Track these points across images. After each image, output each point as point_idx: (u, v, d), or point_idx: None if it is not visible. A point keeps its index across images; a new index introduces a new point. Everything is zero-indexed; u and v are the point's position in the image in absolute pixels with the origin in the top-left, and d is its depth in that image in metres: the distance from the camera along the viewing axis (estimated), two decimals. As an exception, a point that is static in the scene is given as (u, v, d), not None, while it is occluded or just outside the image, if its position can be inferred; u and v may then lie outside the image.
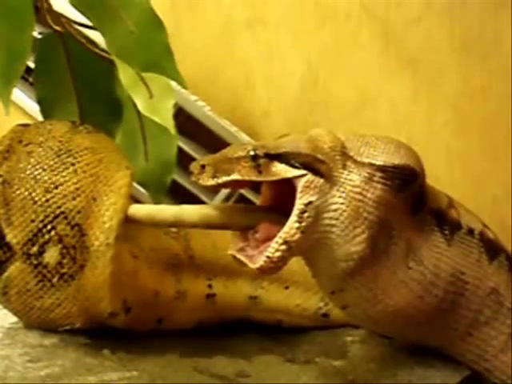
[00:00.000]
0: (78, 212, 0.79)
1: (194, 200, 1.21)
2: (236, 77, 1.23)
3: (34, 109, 1.26)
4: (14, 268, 0.79)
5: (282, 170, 0.76)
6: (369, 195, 0.77)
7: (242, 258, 0.76)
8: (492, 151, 1.20)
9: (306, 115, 1.22)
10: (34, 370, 0.78)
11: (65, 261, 0.78)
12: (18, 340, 0.83)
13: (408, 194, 0.80)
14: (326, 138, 0.78)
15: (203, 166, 0.76)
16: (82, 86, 0.97)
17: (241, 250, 0.77)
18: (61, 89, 0.97)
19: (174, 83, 0.93)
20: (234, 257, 0.77)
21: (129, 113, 0.98)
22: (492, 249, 0.85)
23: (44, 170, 0.79)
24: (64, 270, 0.79)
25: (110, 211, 0.79)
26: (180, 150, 1.17)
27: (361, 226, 0.77)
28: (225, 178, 0.76)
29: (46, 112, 0.98)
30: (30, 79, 1.18)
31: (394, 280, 0.80)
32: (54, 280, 0.79)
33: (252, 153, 0.75)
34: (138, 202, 1.19)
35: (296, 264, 0.84)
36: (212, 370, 0.84)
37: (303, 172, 0.76)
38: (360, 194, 0.77)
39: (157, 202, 1.05)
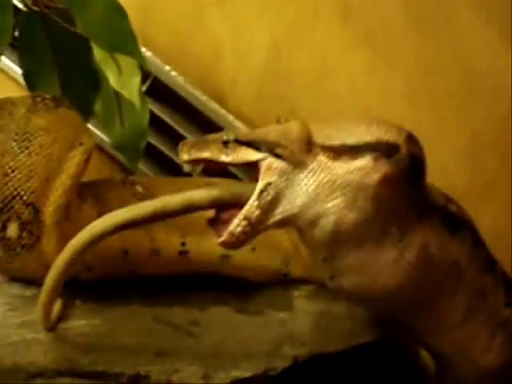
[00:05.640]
0: (32, 192, 0.87)
1: (167, 161, 1.29)
2: (206, 50, 1.27)
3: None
4: None
5: (246, 154, 0.82)
6: (339, 171, 0.80)
7: (212, 230, 0.83)
8: (443, 123, 1.25)
9: (271, 85, 1.28)
10: (11, 318, 0.88)
11: (24, 234, 0.88)
12: (1, 291, 0.92)
13: (394, 167, 0.80)
14: (294, 127, 0.83)
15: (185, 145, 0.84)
16: (63, 60, 1.04)
17: (216, 220, 0.83)
18: (43, 63, 1.04)
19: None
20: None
21: (106, 84, 1.05)
22: (454, 222, 0.87)
23: (2, 155, 0.88)
24: (24, 242, 0.89)
25: (59, 191, 0.88)
26: (156, 116, 1.26)
27: (332, 194, 0.80)
28: (196, 155, 0.83)
29: (31, 84, 1.06)
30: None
31: (383, 260, 0.83)
32: (18, 250, 0.89)
33: (224, 137, 0.83)
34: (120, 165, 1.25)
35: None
36: (168, 320, 0.92)
37: (265, 155, 0.82)
38: (327, 169, 0.80)
39: (133, 165, 1.15)
